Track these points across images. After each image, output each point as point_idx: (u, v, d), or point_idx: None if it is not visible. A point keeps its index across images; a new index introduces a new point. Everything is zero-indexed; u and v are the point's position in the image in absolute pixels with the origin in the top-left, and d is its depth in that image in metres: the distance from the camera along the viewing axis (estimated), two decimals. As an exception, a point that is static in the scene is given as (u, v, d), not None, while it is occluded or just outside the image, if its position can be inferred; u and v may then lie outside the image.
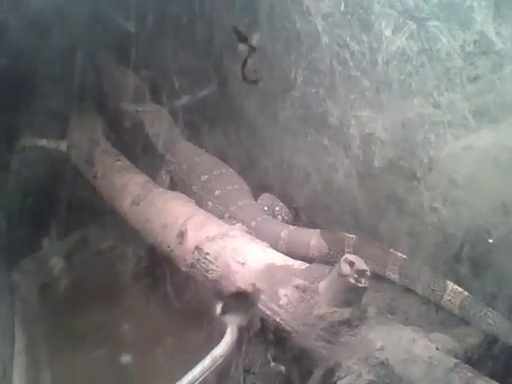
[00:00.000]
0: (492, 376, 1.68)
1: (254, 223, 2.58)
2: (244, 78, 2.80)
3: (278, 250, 2.33)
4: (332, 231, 2.50)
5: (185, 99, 3.27)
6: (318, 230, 2.49)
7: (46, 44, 3.07)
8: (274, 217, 2.79)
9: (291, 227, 2.58)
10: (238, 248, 2.23)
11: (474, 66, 1.90)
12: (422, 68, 2.05)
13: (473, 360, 1.84)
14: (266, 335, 2.09)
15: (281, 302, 1.98)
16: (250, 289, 2.09)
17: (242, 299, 2.10)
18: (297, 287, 1.96)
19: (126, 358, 2.47)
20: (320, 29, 2.35)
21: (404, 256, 2.19)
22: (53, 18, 3.04)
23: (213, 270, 2.23)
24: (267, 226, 2.58)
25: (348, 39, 2.25)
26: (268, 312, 2.02)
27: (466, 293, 2.01)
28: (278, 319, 1.99)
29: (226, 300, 2.17)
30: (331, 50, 2.35)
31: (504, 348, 1.86)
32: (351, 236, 2.36)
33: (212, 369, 2.05)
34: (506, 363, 1.87)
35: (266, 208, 2.82)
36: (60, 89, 3.17)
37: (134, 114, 3.30)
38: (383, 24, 2.09)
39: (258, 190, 2.95)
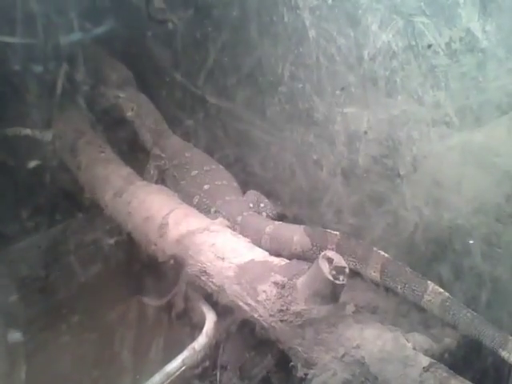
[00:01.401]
0: (468, 377, 1.67)
1: (239, 218, 2.58)
2: (150, 17, 2.66)
3: (262, 245, 2.34)
4: (316, 228, 2.48)
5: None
6: (302, 226, 2.47)
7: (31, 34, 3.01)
8: (258, 213, 2.78)
9: (276, 223, 2.57)
10: (218, 243, 2.22)
11: (459, 64, 1.89)
12: (407, 65, 2.03)
13: (450, 361, 1.82)
14: (244, 332, 2.07)
15: (259, 298, 1.96)
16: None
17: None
18: (275, 283, 1.94)
19: (105, 354, 2.43)
20: (307, 23, 2.33)
21: (386, 255, 2.17)
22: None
23: (192, 264, 2.21)
24: (252, 221, 2.57)
25: (335, 34, 2.23)
26: (246, 308, 2.00)
27: (447, 293, 1.99)
28: (255, 315, 1.97)
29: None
30: (318, 44, 2.32)
31: (482, 349, 1.84)
32: (334, 233, 2.34)
33: (189, 365, 2.04)
34: (483, 364, 1.86)
35: (251, 205, 2.79)
36: (46, 79, 3.12)
37: (115, 100, 3.25)
38: (370, 19, 2.07)
39: (243, 186, 2.92)
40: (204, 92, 3.01)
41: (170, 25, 2.73)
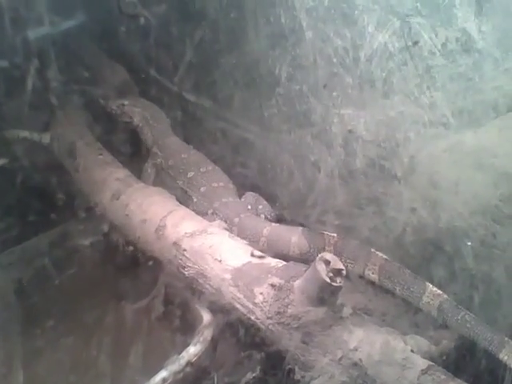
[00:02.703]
0: (466, 379, 1.67)
1: (237, 220, 2.58)
2: (120, 11, 2.65)
3: (259, 247, 2.33)
4: (314, 230, 2.48)
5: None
6: (299, 228, 2.47)
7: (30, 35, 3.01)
8: (257, 215, 2.77)
9: (273, 224, 2.57)
10: (215, 245, 2.21)
11: (455, 64, 1.89)
12: (403, 66, 2.03)
13: (448, 363, 1.81)
14: (240, 334, 2.06)
15: (256, 301, 1.96)
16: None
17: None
18: (272, 286, 1.93)
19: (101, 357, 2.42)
20: (304, 24, 2.32)
21: (384, 256, 2.17)
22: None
23: (189, 266, 2.21)
24: (250, 223, 2.57)
25: (331, 34, 2.22)
26: (243, 310, 1.99)
27: (445, 295, 1.98)
28: (252, 318, 1.97)
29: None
30: (315, 45, 2.32)
31: (480, 352, 1.83)
32: (332, 234, 2.33)
33: (184, 367, 2.03)
34: (480, 367, 1.84)
35: (249, 207, 2.79)
36: (45, 81, 3.12)
37: (120, 109, 3.24)
38: (366, 19, 2.07)
39: (241, 188, 2.92)
40: (181, 89, 2.99)
41: (142, 19, 2.71)
